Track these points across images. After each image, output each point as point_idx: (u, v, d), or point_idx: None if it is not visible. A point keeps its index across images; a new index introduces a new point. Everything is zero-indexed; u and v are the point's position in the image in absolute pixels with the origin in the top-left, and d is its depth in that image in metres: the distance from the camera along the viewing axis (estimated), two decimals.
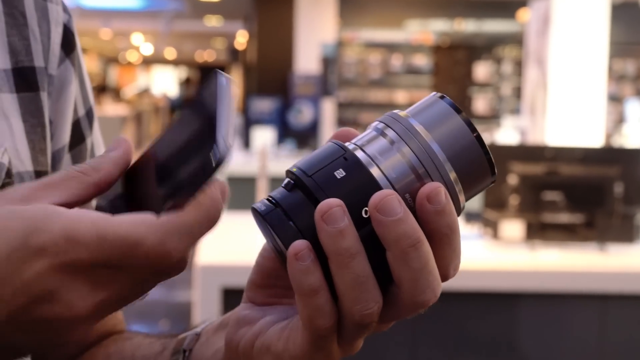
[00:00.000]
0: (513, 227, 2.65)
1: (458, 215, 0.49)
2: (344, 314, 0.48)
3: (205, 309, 2.35)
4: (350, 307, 0.48)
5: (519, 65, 10.54)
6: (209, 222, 0.46)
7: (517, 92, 10.53)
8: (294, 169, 0.51)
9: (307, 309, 0.48)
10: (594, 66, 5.32)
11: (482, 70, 10.72)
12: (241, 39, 14.52)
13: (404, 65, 10.67)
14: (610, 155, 2.81)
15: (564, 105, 5.34)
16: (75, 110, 0.69)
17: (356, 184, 0.49)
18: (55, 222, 0.44)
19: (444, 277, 0.50)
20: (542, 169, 2.67)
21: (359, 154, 0.50)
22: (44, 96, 0.63)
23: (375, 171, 0.49)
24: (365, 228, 0.48)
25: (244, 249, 2.59)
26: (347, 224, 0.47)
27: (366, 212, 0.48)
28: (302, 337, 0.50)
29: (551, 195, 2.65)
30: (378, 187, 0.48)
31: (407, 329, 2.40)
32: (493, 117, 10.36)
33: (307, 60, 9.70)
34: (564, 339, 2.48)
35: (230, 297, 2.34)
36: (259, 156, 3.07)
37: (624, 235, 2.64)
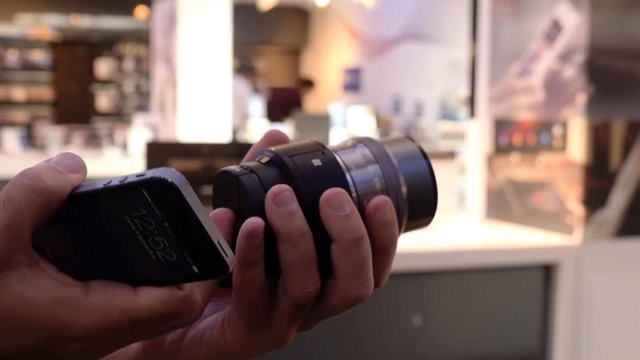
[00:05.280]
0: None
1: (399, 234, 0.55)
2: (285, 292, 0.52)
3: None
4: (292, 285, 0.51)
5: (140, 62, 10.62)
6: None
7: (139, 89, 10.61)
8: (273, 149, 0.54)
9: (244, 279, 0.51)
10: (220, 64, 5.54)
11: (103, 67, 10.62)
12: None
13: (20, 61, 10.20)
14: None
15: (193, 102, 5.49)
16: None
17: (329, 175, 0.53)
18: (84, 316, 0.46)
19: (376, 284, 0.54)
20: (200, 164, 2.78)
21: (337, 156, 0.54)
22: None
23: (347, 176, 0.54)
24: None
25: None
26: (296, 207, 0.50)
27: None
28: (238, 319, 0.53)
29: (209, 190, 2.76)
30: (346, 186, 0.53)
31: None
32: (117, 114, 10.33)
33: None
34: None
35: None
36: None
37: None
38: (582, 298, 2.55)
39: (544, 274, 2.57)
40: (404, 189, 0.55)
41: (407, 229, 0.57)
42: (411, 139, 0.58)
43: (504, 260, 2.55)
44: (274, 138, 0.57)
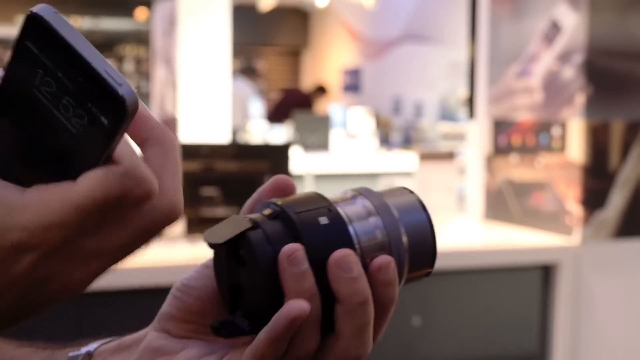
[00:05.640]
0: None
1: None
2: (288, 349, 0.51)
3: None
4: (296, 344, 0.51)
5: (140, 64, 10.63)
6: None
7: (139, 90, 10.63)
8: (279, 202, 0.53)
9: (268, 350, 0.50)
10: (219, 66, 5.54)
11: None
12: None
13: None
14: (259, 151, 3.02)
15: (193, 103, 5.49)
16: None
17: (334, 234, 0.53)
18: (21, 214, 0.41)
19: (374, 339, 0.54)
20: (199, 165, 2.78)
21: (340, 209, 0.54)
22: None
23: (350, 229, 0.53)
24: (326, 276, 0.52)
25: None
26: (307, 267, 0.50)
27: None
28: None
29: (208, 191, 2.78)
30: (350, 244, 0.53)
31: None
32: None
33: None
34: None
35: None
36: None
37: None
38: (581, 298, 2.55)
39: (543, 274, 2.58)
40: (404, 241, 0.56)
41: (407, 281, 0.57)
42: (410, 191, 0.58)
43: (503, 260, 2.56)
44: (280, 186, 0.56)
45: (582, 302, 2.56)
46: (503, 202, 2.86)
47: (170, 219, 0.46)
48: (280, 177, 0.57)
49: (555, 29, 2.59)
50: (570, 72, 2.53)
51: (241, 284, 0.53)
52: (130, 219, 0.44)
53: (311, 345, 0.52)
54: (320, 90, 9.66)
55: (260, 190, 0.57)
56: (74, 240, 0.43)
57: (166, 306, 0.57)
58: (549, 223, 2.64)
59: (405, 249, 0.55)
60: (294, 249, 0.50)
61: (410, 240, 0.56)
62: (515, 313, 2.59)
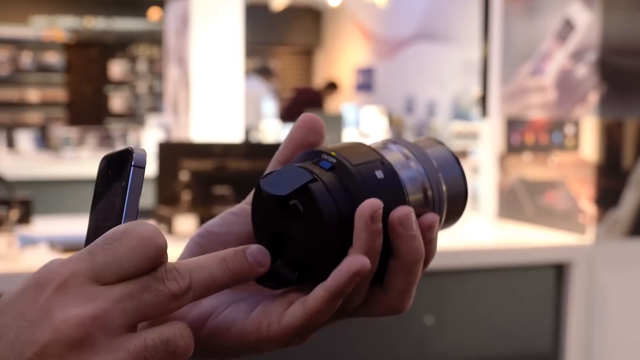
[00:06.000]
0: (187, 222, 2.73)
1: None
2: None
3: None
4: (349, 297, 0.51)
5: (153, 64, 10.65)
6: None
7: (152, 90, 10.65)
8: (333, 153, 0.52)
9: (326, 306, 0.50)
10: (232, 65, 5.54)
11: (117, 68, 10.65)
12: None
13: (35, 63, 10.25)
14: (272, 150, 3.02)
15: (206, 103, 5.50)
16: None
17: (390, 188, 0.52)
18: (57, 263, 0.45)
19: None
20: (212, 164, 2.79)
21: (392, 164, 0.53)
22: None
23: (401, 183, 0.53)
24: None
25: None
26: (381, 225, 0.50)
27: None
28: (290, 320, 0.51)
29: (221, 190, 2.78)
30: (404, 199, 0.52)
31: None
32: (130, 116, 10.37)
33: None
34: None
35: None
36: None
37: None
38: (594, 297, 2.54)
39: (557, 273, 2.57)
40: (444, 190, 0.55)
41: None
42: (441, 142, 0.58)
43: (516, 259, 2.55)
44: (310, 125, 0.56)
45: (595, 300, 2.55)
46: (516, 201, 2.85)
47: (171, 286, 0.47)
48: (309, 115, 0.57)
49: (568, 27, 2.58)
50: (583, 71, 2.52)
51: (289, 234, 0.51)
52: (135, 267, 0.46)
53: (360, 299, 0.52)
54: (332, 86, 9.65)
55: (293, 131, 0.56)
56: (82, 277, 0.45)
57: (186, 253, 0.56)
58: (562, 222, 2.63)
59: (444, 198, 0.55)
60: (377, 207, 0.50)
61: (448, 190, 0.55)
62: (528, 312, 2.59)
